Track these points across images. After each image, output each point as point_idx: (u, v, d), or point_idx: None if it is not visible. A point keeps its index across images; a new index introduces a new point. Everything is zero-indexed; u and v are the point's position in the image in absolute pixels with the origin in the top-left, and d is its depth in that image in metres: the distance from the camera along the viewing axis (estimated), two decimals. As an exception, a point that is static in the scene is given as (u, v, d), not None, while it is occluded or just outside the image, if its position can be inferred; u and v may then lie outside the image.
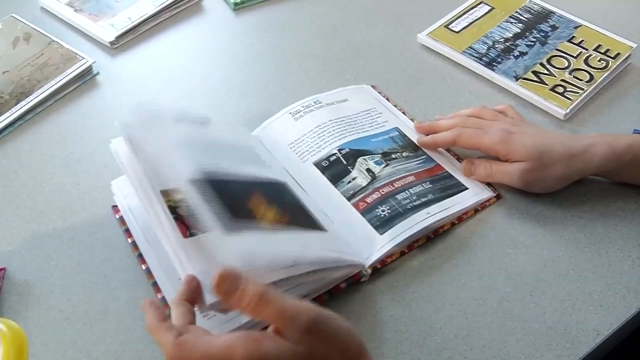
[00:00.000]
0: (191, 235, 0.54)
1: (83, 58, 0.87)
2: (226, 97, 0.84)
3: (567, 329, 0.59)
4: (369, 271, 0.63)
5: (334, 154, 0.72)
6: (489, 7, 0.96)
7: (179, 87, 0.86)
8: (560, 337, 0.59)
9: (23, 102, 0.82)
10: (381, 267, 0.64)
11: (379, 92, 0.83)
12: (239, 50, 0.92)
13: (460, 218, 0.68)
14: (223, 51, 0.92)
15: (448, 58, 0.89)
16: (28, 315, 0.61)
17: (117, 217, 0.69)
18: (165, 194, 0.56)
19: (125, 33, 0.92)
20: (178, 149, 0.59)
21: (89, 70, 0.87)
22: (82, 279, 0.64)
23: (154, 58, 0.91)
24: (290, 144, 0.75)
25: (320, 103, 0.79)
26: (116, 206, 0.70)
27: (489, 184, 0.71)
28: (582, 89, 0.82)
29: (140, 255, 0.64)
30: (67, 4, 0.97)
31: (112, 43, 0.92)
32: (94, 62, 0.88)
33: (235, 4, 0.97)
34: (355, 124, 0.77)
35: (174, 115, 0.66)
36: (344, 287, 0.62)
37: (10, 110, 0.81)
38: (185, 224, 0.54)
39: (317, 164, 0.71)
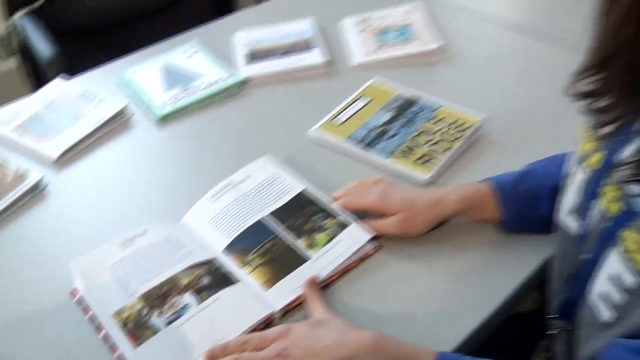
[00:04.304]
0: (139, 344, 0.76)
1: (31, 175, 1.04)
2: (157, 196, 1.02)
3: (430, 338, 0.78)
4: (279, 315, 0.81)
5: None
6: (368, 99, 1.18)
7: (116, 192, 1.04)
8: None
9: (-21, 218, 0.97)
10: (289, 311, 0.82)
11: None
12: (165, 155, 1.11)
13: (348, 268, 0.87)
14: (151, 158, 1.11)
15: (335, 146, 1.09)
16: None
17: (76, 299, 0.84)
18: (116, 314, 0.80)
19: (68, 150, 1.10)
20: (120, 277, 0.85)
21: (37, 185, 1.03)
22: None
23: (94, 170, 1.08)
24: (210, 221, 0.93)
25: (232, 184, 0.98)
26: (75, 289, 0.85)
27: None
28: (442, 157, 1.04)
29: (97, 327, 0.80)
30: (14, 130, 1.14)
31: (56, 160, 1.09)
32: (42, 176, 1.04)
33: (161, 117, 1.17)
34: (265, 195, 0.96)
35: (119, 243, 0.89)
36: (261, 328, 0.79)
37: (-30, 225, 0.96)
38: (134, 335, 0.77)
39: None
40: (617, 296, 0.62)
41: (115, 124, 1.17)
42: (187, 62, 1.30)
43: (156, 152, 1.12)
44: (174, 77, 1.25)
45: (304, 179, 0.99)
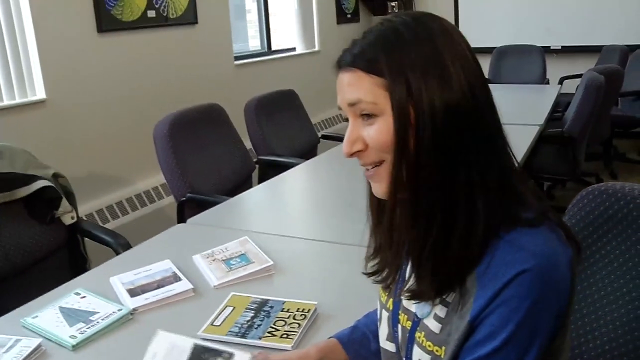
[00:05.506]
0: None
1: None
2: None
3: None
4: None
5: None
6: (232, 307, 1.60)
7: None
8: None
9: None
10: None
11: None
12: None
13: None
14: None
15: (220, 339, 1.47)
16: None
17: None
18: None
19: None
20: None
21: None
22: None
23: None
24: None
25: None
26: None
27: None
28: (297, 332, 1.47)
29: None
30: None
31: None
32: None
33: (73, 346, 1.46)
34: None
35: None
36: None
37: None
38: None
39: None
40: None
41: (34, 357, 1.43)
42: (81, 302, 1.63)
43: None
44: (75, 315, 1.57)
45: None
